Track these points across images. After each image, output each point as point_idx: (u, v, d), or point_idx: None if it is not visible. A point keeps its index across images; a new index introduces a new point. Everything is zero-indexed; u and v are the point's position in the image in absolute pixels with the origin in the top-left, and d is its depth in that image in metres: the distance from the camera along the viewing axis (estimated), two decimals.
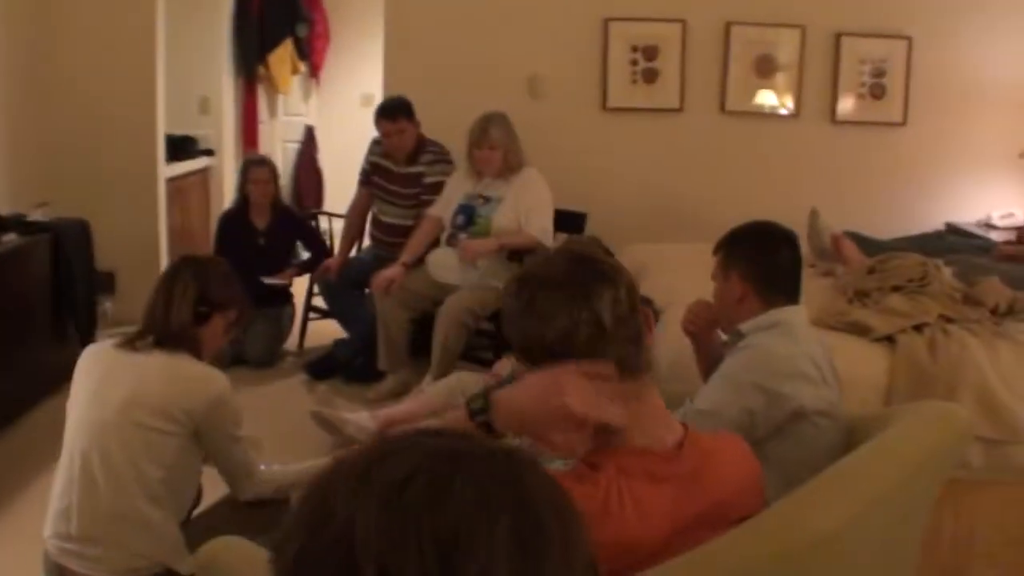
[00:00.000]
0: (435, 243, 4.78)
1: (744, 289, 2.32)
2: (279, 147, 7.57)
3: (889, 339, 3.19)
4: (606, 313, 1.43)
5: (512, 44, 5.48)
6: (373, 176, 5.10)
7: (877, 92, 5.49)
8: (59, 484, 2.39)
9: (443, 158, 4.95)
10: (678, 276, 3.84)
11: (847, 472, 1.67)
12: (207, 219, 6.61)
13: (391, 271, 4.61)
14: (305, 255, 5.46)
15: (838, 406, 2.24)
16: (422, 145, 4.94)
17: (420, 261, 4.73)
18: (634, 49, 5.45)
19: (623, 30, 5.43)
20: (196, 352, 2.50)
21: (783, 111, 5.56)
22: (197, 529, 2.47)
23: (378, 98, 7.43)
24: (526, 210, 4.55)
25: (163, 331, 2.46)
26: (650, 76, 5.47)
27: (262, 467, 2.59)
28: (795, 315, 2.33)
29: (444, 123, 5.02)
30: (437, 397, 4.06)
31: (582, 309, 1.43)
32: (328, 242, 5.47)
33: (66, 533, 2.33)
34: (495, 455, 0.80)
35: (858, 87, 5.51)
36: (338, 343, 5.12)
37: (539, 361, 1.47)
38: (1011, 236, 4.97)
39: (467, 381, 4.10)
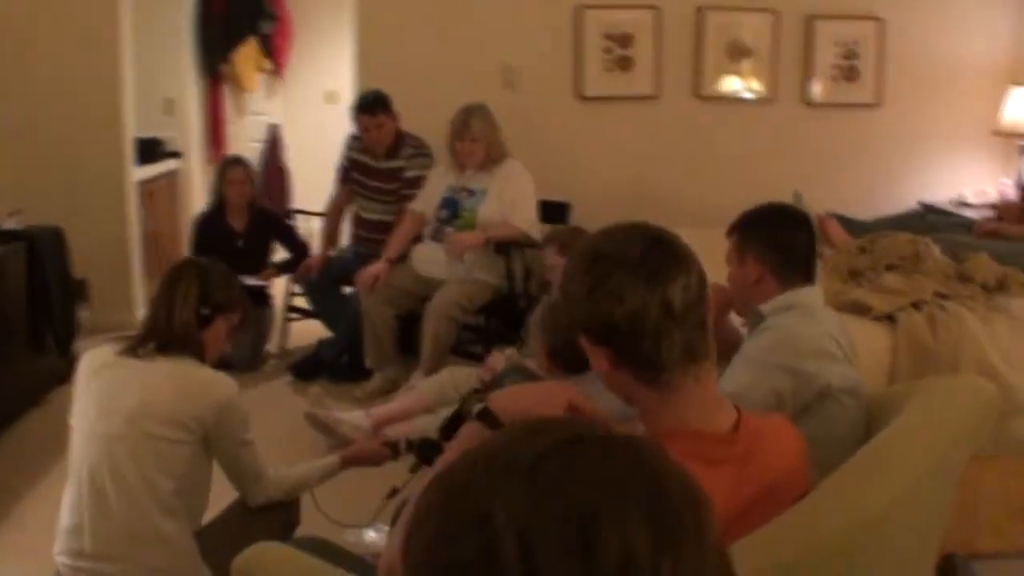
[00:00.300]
0: (417, 238, 4.74)
1: (760, 271, 2.31)
2: (247, 147, 7.45)
3: (889, 317, 3.20)
4: (677, 297, 1.41)
5: (485, 35, 5.44)
6: (352, 172, 5.04)
7: (850, 74, 5.51)
8: (68, 500, 2.32)
9: (423, 152, 4.91)
10: None
11: (892, 448, 1.67)
12: (176, 223, 6.51)
13: (376, 267, 4.57)
14: (280, 255, 5.38)
15: (860, 384, 2.23)
16: (401, 139, 4.90)
17: (403, 257, 4.70)
18: (608, 37, 5.42)
19: (596, 18, 5.40)
20: (199, 356, 2.45)
21: (757, 95, 5.56)
22: (210, 537, 2.43)
23: (343, 95, 7.40)
24: (510, 202, 4.53)
25: (166, 336, 2.40)
26: (625, 64, 5.45)
27: (271, 471, 2.55)
28: (813, 295, 2.33)
29: (418, 116, 4.99)
30: (429, 393, 4.04)
31: (655, 292, 1.40)
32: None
33: (78, 551, 2.26)
34: (623, 438, 0.81)
35: (831, 69, 5.53)
36: (323, 343, 5.07)
37: (602, 341, 1.45)
38: (987, 213, 5.03)
39: (458, 376, 4.08)
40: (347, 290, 5.03)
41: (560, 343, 3.00)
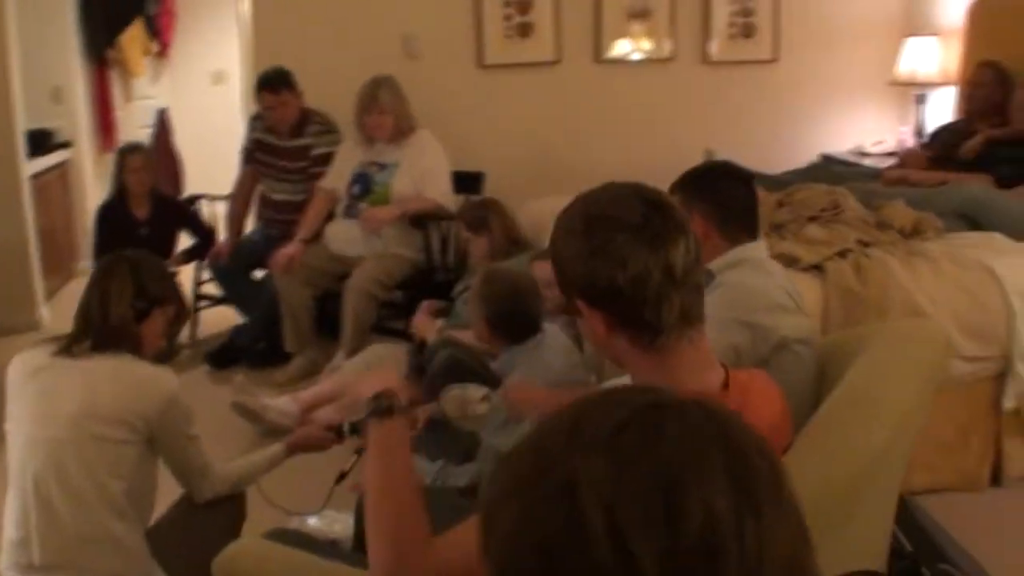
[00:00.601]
0: (330, 216, 4.65)
1: (706, 228, 2.31)
2: (136, 133, 7.20)
3: (816, 268, 3.26)
4: (679, 262, 1.40)
5: (382, 4, 5.32)
6: (257, 153, 4.90)
7: (747, 31, 5.59)
8: (12, 512, 2.21)
9: (329, 128, 4.81)
10: None
11: (874, 391, 1.70)
12: (70, 216, 6.27)
13: (290, 248, 4.47)
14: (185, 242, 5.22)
15: (812, 333, 2.27)
16: (306, 117, 4.78)
17: (317, 236, 4.60)
18: (507, 3, 5.38)
19: None
20: (137, 352, 2.35)
21: (657, 56, 5.59)
22: (159, 536, 2.35)
23: (231, 75, 7.20)
24: (423, 174, 4.48)
25: (101, 333, 2.30)
26: (525, 30, 5.43)
27: (216, 464, 2.48)
28: (759, 250, 2.35)
29: (320, 92, 4.87)
30: (354, 374, 3.98)
31: (658, 256, 1.39)
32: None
33: (27, 563, 2.16)
34: (695, 403, 0.81)
35: (729, 27, 5.59)
36: (237, 329, 4.94)
37: (601, 304, 1.43)
38: (887, 161, 5.16)
39: (382, 354, 4.05)
40: (259, 274, 4.92)
41: (496, 314, 2.98)
